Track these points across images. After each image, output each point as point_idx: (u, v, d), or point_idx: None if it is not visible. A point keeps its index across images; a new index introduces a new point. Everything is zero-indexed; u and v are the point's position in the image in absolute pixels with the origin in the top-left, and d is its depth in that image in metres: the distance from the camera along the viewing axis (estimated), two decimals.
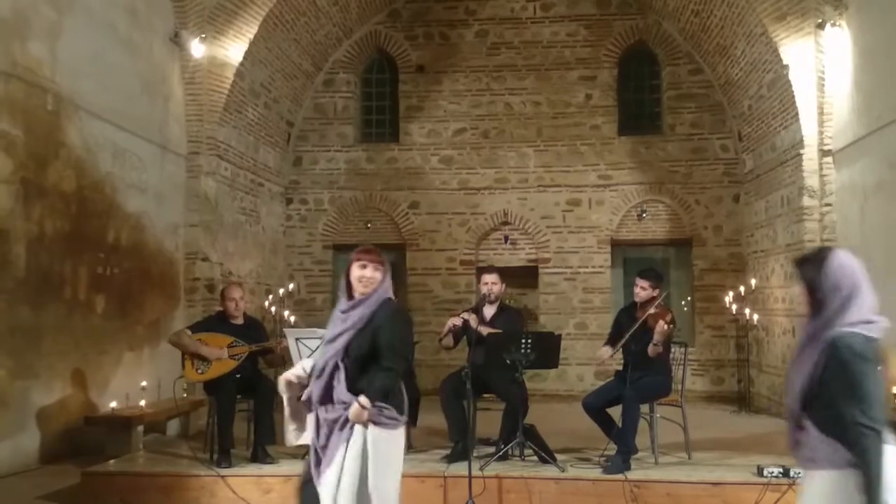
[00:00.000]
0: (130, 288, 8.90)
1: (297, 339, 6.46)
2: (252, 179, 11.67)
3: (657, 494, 5.76)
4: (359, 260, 4.01)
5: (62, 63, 7.69)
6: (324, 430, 3.93)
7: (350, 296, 4.04)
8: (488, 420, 6.83)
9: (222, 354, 6.66)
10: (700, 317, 12.46)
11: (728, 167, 12.49)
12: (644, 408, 6.45)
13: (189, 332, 6.83)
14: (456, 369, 6.45)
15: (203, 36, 9.88)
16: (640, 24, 12.84)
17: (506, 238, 12.92)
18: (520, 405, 6.38)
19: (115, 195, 8.67)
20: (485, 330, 6.56)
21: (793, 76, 9.49)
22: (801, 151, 9.52)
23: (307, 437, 4.07)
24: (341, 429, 3.87)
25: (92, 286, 8.17)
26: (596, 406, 6.47)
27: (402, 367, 4.09)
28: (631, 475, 5.90)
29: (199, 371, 6.67)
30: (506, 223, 12.93)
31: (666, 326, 6.03)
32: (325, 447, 3.91)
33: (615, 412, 6.39)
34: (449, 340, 6.71)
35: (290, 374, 4.16)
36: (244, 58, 10.33)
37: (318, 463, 3.92)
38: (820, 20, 9.18)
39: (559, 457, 6.31)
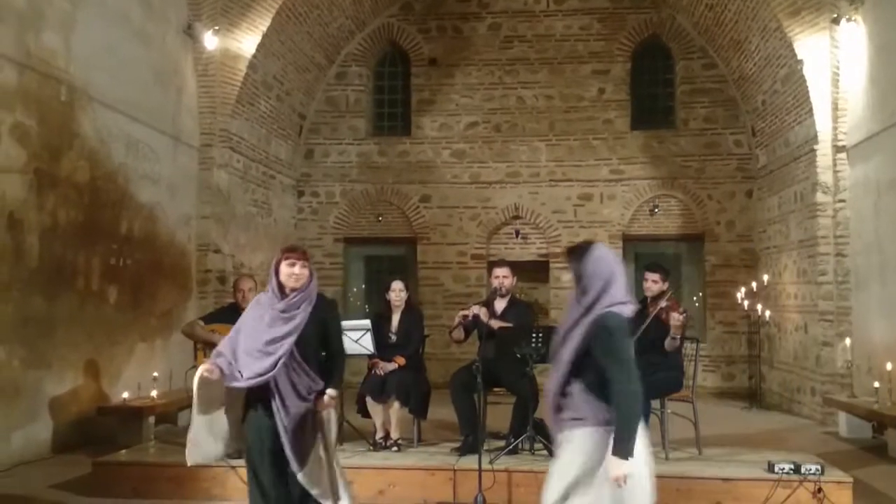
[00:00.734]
0: (143, 279, 8.94)
1: None
2: (264, 172, 11.69)
3: (667, 490, 5.72)
4: (287, 259, 4.28)
5: (76, 54, 7.72)
6: (290, 423, 4.16)
7: (282, 294, 4.27)
8: (498, 414, 6.82)
9: None
10: (712, 313, 12.42)
11: (741, 162, 12.43)
12: (655, 403, 6.42)
13: (202, 323, 6.86)
14: (466, 363, 6.45)
15: (216, 28, 9.90)
16: (653, 17, 12.79)
17: (517, 232, 12.90)
18: (530, 399, 6.37)
19: (128, 186, 8.70)
20: (495, 324, 6.55)
21: (807, 71, 9.43)
22: (815, 147, 9.46)
23: (208, 456, 4.35)
24: (312, 419, 4.22)
25: (105, 277, 8.22)
26: None
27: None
28: None
29: None
30: (517, 217, 12.91)
31: (680, 317, 6.00)
32: (296, 438, 4.17)
33: None
34: (459, 333, 6.70)
35: (209, 371, 4.17)
36: (257, 50, 10.35)
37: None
38: (835, 15, 9.12)
39: None
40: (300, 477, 4.20)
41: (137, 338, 8.84)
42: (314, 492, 4.25)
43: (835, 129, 9.35)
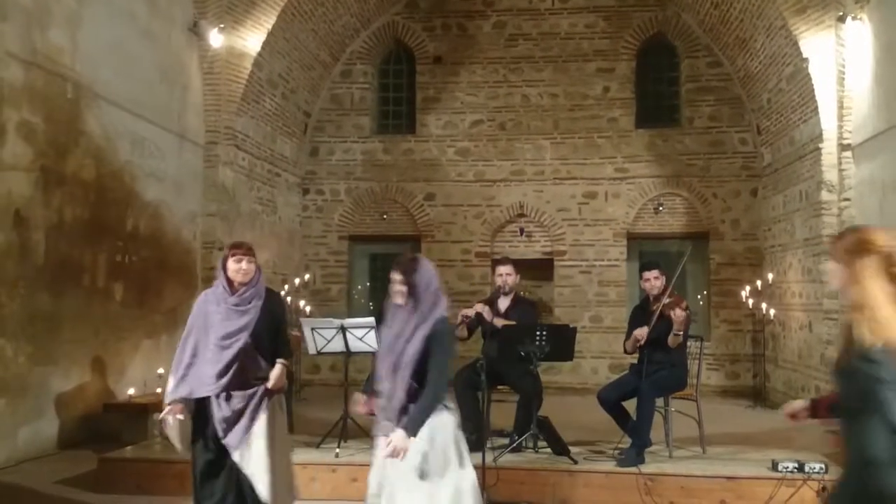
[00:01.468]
0: (148, 276, 8.97)
1: (312, 329, 6.53)
2: (269, 170, 11.71)
3: (671, 488, 5.75)
4: (234, 255, 4.44)
5: (82, 52, 7.75)
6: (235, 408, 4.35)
7: (232, 290, 4.45)
8: (502, 412, 6.83)
9: None
10: (716, 311, 12.41)
11: (746, 161, 12.42)
12: (659, 401, 6.43)
13: None
14: (470, 361, 6.47)
15: (221, 26, 9.92)
16: (658, 15, 12.77)
17: (521, 230, 12.90)
18: (534, 397, 6.38)
19: (134, 184, 8.73)
20: (499, 322, 6.56)
21: (812, 70, 9.41)
22: (820, 145, 9.45)
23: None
24: (259, 401, 4.41)
25: (110, 274, 8.25)
26: (611, 400, 6.44)
27: None
28: (645, 468, 5.89)
29: None
30: (521, 215, 12.91)
31: (683, 313, 6.01)
32: (238, 421, 4.35)
33: (629, 405, 6.38)
34: (462, 331, 6.70)
35: (172, 419, 4.37)
36: (262, 48, 10.37)
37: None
38: (841, 13, 9.10)
39: (573, 449, 6.31)
40: (236, 457, 4.32)
41: (143, 335, 8.87)
42: (254, 480, 4.33)
43: (840, 127, 9.33)
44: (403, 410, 3.63)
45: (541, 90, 12.93)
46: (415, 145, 13.15)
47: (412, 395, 3.64)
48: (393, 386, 3.66)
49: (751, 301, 11.12)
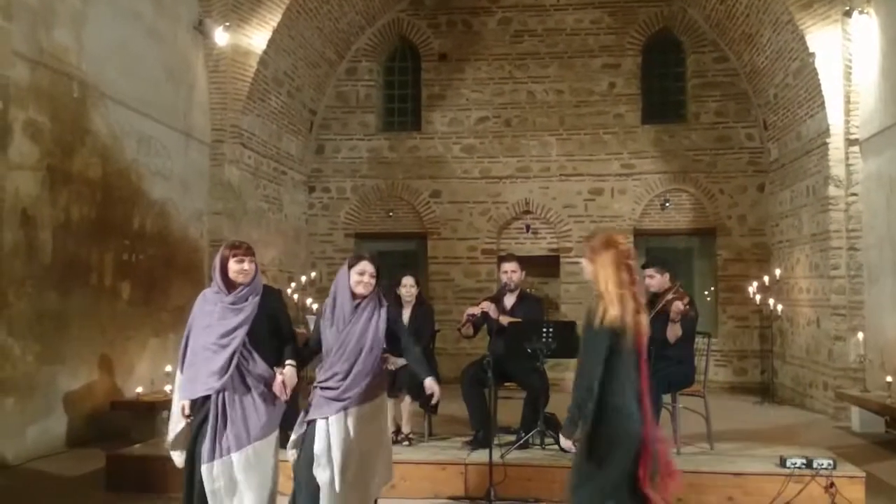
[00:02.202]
0: (155, 274, 8.99)
1: None
2: (275, 168, 11.72)
3: (678, 484, 5.73)
4: (235, 255, 4.40)
5: (88, 51, 7.76)
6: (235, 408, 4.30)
7: (229, 289, 4.40)
8: (509, 408, 6.83)
9: None
10: (723, 307, 12.38)
11: (753, 156, 12.38)
12: (666, 398, 6.41)
13: None
14: (477, 358, 6.46)
15: (227, 24, 9.93)
16: (664, 11, 12.73)
17: (527, 227, 12.89)
18: (541, 394, 6.37)
19: (141, 182, 8.75)
20: (505, 319, 6.55)
21: (819, 64, 9.38)
22: (828, 140, 9.41)
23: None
24: (264, 401, 4.36)
25: (117, 273, 8.27)
26: None
27: None
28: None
29: None
30: (527, 212, 12.90)
31: (682, 306, 5.99)
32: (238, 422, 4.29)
33: None
34: (469, 330, 6.70)
35: (178, 428, 4.49)
36: (267, 46, 10.37)
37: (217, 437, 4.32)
38: (847, 8, 9.06)
39: None
40: (235, 458, 4.24)
41: (150, 333, 8.89)
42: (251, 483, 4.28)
43: (847, 122, 9.30)
44: (369, 386, 4.28)
45: (546, 86, 12.91)
46: (420, 142, 13.15)
47: (377, 372, 4.33)
48: (363, 367, 4.26)
49: (758, 297, 11.09)
